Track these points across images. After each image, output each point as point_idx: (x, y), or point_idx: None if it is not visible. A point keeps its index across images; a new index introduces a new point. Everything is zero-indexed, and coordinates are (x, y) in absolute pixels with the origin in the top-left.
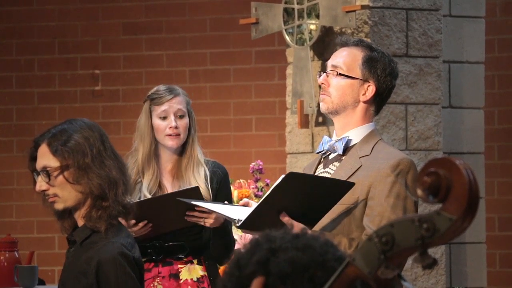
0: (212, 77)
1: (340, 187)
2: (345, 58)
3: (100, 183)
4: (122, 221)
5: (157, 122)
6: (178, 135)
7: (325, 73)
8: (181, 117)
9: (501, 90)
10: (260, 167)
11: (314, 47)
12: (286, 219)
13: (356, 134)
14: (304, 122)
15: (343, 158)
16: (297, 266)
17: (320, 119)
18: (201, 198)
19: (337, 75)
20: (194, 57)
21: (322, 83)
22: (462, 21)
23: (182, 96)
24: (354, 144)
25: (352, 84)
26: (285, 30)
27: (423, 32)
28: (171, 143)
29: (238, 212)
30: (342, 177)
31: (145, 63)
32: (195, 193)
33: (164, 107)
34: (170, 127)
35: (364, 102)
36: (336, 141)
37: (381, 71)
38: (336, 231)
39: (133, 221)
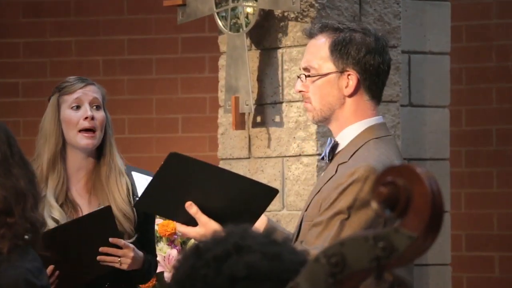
0: (130, 68)
1: (262, 191)
2: (311, 53)
3: (5, 196)
4: None
5: (68, 114)
6: (94, 131)
7: (299, 78)
8: (97, 108)
9: (469, 85)
10: None
11: (251, 34)
12: (193, 210)
13: (345, 136)
14: (240, 123)
15: (329, 165)
16: (254, 273)
17: (259, 119)
18: (113, 220)
19: (307, 77)
20: (109, 45)
21: (301, 91)
22: (424, 4)
23: (98, 87)
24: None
25: (329, 81)
26: (217, 13)
27: (379, 18)
28: (86, 141)
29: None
30: (316, 188)
31: (50, 51)
32: (106, 213)
33: (76, 94)
34: (86, 117)
35: (350, 95)
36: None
37: (356, 53)
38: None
39: None
